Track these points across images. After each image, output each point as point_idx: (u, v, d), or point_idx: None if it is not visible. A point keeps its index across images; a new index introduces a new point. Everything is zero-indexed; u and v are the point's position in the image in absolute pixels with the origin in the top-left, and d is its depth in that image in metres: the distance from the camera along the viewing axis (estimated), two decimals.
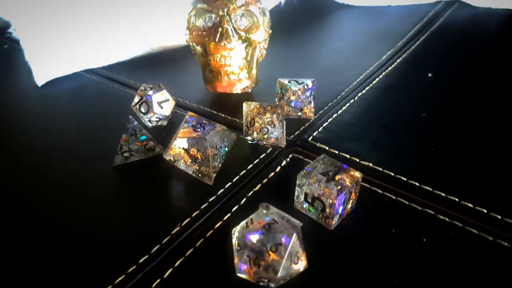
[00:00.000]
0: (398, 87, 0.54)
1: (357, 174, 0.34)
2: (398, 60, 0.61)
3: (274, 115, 0.41)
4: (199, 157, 0.37)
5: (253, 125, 0.42)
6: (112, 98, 0.54)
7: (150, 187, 0.38)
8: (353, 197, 0.35)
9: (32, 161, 0.42)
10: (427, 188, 0.37)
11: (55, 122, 0.49)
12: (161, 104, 0.46)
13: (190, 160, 0.38)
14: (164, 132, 0.46)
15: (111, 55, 0.61)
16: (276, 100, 0.48)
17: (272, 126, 0.42)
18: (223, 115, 0.49)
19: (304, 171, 0.34)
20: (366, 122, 0.47)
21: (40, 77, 0.57)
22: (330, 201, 0.32)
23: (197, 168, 0.38)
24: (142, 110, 0.45)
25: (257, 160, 0.41)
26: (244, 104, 0.44)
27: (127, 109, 0.47)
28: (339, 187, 0.32)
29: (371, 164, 0.40)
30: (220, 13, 0.48)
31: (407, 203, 0.36)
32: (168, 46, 0.66)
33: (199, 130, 0.37)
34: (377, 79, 0.56)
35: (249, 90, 0.52)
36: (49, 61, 0.58)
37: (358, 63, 0.61)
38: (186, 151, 0.37)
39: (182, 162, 0.38)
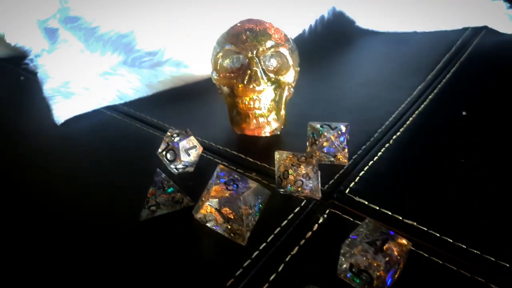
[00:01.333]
0: (433, 128, 0.52)
1: (405, 242, 0.31)
2: (430, 97, 0.59)
3: (309, 167, 0.39)
4: (232, 217, 0.35)
5: (287, 177, 0.40)
6: (135, 139, 0.52)
7: (178, 248, 0.36)
8: (401, 266, 0.32)
9: (52, 211, 0.40)
10: (475, 251, 0.34)
11: (75, 166, 0.47)
12: (188, 151, 0.44)
13: (222, 220, 0.35)
14: (191, 180, 0.44)
15: (132, 90, 0.60)
16: (307, 144, 0.46)
17: (307, 178, 0.39)
18: (251, 160, 0.47)
19: (349, 239, 0.31)
20: (404, 171, 0.44)
21: (60, 115, 0.55)
22: (378, 274, 0.30)
23: (229, 227, 0.35)
24: (169, 157, 0.43)
25: (292, 214, 0.39)
26: (276, 154, 0.41)
27: (151, 152, 0.45)
28: (387, 259, 0.30)
29: (415, 224, 0.37)
30: (249, 55, 0.46)
31: (455, 269, 0.33)
32: (190, 79, 0.64)
33: (231, 188, 0.35)
34: (410, 119, 0.53)
35: (278, 132, 0.50)
36: (68, 97, 0.56)
37: (389, 98, 0.59)
38: (218, 211, 0.35)
39: (213, 221, 0.36)
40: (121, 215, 0.40)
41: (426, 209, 0.39)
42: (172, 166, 0.44)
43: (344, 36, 0.81)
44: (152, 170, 0.40)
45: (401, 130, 0.51)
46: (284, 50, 0.47)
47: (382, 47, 0.78)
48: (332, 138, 0.44)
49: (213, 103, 0.59)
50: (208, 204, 0.35)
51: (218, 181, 0.36)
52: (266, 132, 0.49)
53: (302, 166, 0.39)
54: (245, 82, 0.47)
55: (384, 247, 0.31)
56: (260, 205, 0.37)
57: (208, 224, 0.36)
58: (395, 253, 0.31)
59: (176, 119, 0.55)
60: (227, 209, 0.35)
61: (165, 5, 0.63)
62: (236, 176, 0.36)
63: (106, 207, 0.41)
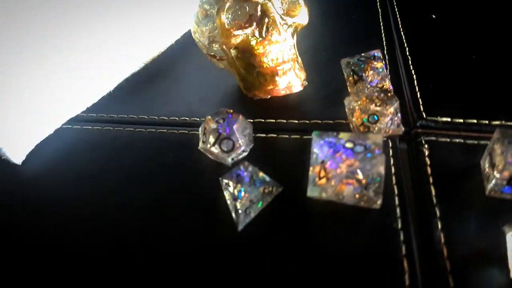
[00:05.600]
0: (428, 33, 0.52)
1: None
2: (396, 10, 0.59)
3: (395, 103, 0.35)
4: (365, 182, 0.30)
5: (374, 121, 0.35)
6: (141, 146, 0.40)
7: (320, 244, 0.30)
8: None
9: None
10: None
11: (112, 203, 0.35)
12: (244, 133, 0.36)
13: (354, 189, 0.30)
14: (255, 163, 0.36)
15: (91, 91, 0.46)
16: (348, 84, 0.41)
17: (395, 115, 0.36)
18: (297, 122, 0.41)
19: (496, 152, 0.30)
20: (447, 74, 0.43)
21: (16, 153, 0.40)
22: None
23: (360, 195, 0.30)
24: (225, 148, 0.35)
25: (392, 159, 0.35)
26: (346, 101, 0.37)
27: (178, 151, 0.38)
28: None
29: (503, 122, 0.37)
30: (260, 0, 0.38)
31: None
32: (147, 57, 0.52)
33: (359, 151, 0.30)
34: (402, 33, 0.53)
35: (306, 82, 0.44)
36: (13, 126, 0.41)
37: (362, 24, 0.57)
38: (359, 181, 0.29)
39: (347, 195, 0.30)
40: (211, 235, 0.31)
41: (494, 104, 0.39)
42: (231, 157, 0.35)
43: None
44: (196, 171, 0.35)
45: (405, 43, 0.50)
46: None
47: None
48: (378, 67, 0.40)
49: (194, 75, 0.50)
50: (344, 182, 0.29)
51: (342, 152, 0.30)
52: (298, 86, 0.42)
53: (388, 105, 0.35)
54: (263, 35, 0.39)
55: None
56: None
57: (344, 201, 0.30)
58: None
59: (169, 107, 0.45)
60: (361, 175, 0.29)
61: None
62: (356, 137, 0.31)
63: (188, 233, 0.31)
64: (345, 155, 0.30)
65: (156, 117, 0.43)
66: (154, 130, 0.42)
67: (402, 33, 0.53)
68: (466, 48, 0.47)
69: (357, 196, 0.30)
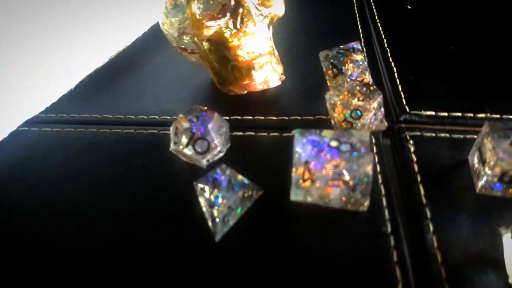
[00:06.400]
0: (405, 24, 0.50)
1: None
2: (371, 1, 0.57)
3: (379, 97, 0.33)
4: (351, 183, 0.28)
5: (357, 117, 0.33)
6: (106, 147, 0.37)
7: (306, 251, 0.27)
8: None
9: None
10: None
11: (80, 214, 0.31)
12: (219, 132, 0.33)
13: (343, 191, 0.28)
14: (232, 166, 0.33)
15: (50, 89, 0.42)
16: (327, 77, 0.39)
17: (378, 109, 0.34)
18: (274, 118, 0.38)
19: (490, 149, 0.28)
20: (426, 67, 0.42)
21: None
22: None
23: (347, 197, 0.28)
24: (199, 149, 0.32)
25: (377, 157, 0.33)
26: (327, 96, 0.34)
27: (149, 154, 0.34)
28: None
29: (488, 115, 0.36)
30: None
31: None
32: (110, 53, 0.49)
33: (344, 149, 0.27)
34: (379, 24, 0.51)
35: (284, 77, 0.41)
36: None
37: (338, 13, 0.55)
38: (345, 182, 0.27)
39: (333, 199, 0.28)
40: (186, 247, 0.28)
41: (478, 95, 0.38)
42: (206, 159, 0.33)
43: None
44: (168, 175, 0.32)
45: (382, 35, 0.48)
46: None
47: None
48: (358, 60, 0.39)
49: (162, 68, 0.46)
50: (330, 184, 0.27)
51: (326, 151, 0.28)
52: (275, 80, 0.40)
53: (371, 99, 0.33)
54: (237, 26, 0.36)
55: None
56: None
57: (331, 205, 0.28)
58: None
59: (136, 104, 0.42)
60: (345, 176, 0.27)
61: None
62: (340, 135, 0.28)
63: (159, 245, 0.28)
64: (330, 154, 0.28)
65: (122, 116, 0.40)
66: (120, 130, 0.38)
67: (378, 24, 0.51)
68: (444, 39, 0.46)
69: (343, 198, 0.28)
